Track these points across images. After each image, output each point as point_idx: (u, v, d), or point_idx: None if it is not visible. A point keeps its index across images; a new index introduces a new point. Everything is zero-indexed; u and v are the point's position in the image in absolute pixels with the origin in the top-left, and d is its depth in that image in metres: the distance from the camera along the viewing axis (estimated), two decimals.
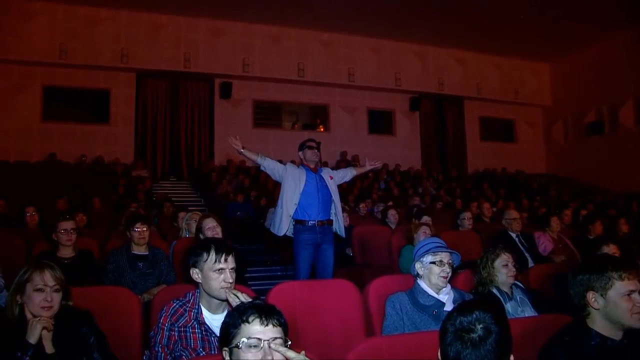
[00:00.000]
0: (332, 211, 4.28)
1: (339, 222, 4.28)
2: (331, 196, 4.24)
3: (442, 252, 2.60)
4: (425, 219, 5.29)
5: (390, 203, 8.65)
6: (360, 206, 8.25)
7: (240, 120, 13.82)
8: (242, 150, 4.07)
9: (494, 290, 2.76)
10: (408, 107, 15.63)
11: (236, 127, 13.64)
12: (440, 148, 15.93)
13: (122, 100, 12.82)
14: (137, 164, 12.26)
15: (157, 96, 13.02)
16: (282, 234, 4.13)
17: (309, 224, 4.13)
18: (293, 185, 4.16)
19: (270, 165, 4.23)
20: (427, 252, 2.61)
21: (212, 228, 3.63)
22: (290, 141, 14.25)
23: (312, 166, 4.31)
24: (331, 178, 4.36)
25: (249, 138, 13.60)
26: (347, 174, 4.55)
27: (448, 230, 5.54)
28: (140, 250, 3.75)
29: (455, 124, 16.02)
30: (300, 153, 4.38)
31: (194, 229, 4.16)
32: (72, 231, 3.64)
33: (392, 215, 6.15)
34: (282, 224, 4.13)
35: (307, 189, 4.16)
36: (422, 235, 4.25)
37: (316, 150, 4.31)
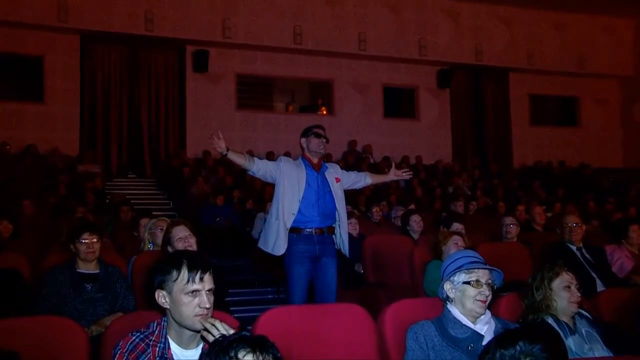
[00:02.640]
0: (336, 219, 4.31)
1: (343, 237, 4.30)
2: (334, 203, 4.29)
3: (479, 269, 2.59)
4: (457, 226, 5.27)
5: (412, 206, 8.67)
6: (374, 210, 8.25)
7: (220, 100, 13.88)
8: (226, 152, 4.09)
9: (550, 320, 2.75)
10: (435, 83, 15.66)
11: (214, 109, 13.68)
12: (477, 135, 15.97)
13: (61, 71, 12.72)
14: (84, 155, 12.32)
15: (109, 67, 13.02)
16: (280, 253, 4.17)
17: (306, 232, 4.17)
18: (290, 191, 4.20)
19: (261, 169, 4.27)
20: (459, 269, 2.60)
21: (183, 238, 3.64)
22: (284, 127, 14.28)
23: (314, 161, 4.35)
24: (337, 181, 4.39)
25: (231, 123, 13.67)
26: (359, 180, 4.58)
27: (487, 242, 5.54)
28: (88, 268, 3.76)
29: (497, 104, 16.04)
30: (303, 140, 4.41)
31: (159, 240, 4.17)
32: None
33: (415, 222, 6.15)
34: (279, 240, 4.16)
35: (305, 194, 4.21)
36: (454, 247, 4.25)
37: (324, 141, 4.35)
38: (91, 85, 12.85)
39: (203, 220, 9.31)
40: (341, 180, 4.42)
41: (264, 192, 10.26)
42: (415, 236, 6.05)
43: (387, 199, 10.17)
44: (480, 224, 7.94)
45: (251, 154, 13.89)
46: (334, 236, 4.31)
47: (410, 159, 14.42)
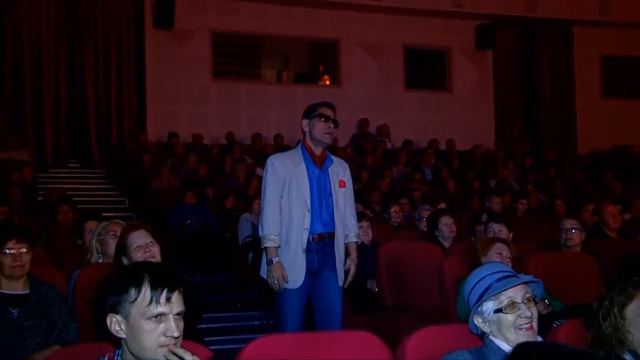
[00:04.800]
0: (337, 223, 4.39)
1: (338, 265, 4.34)
2: (333, 209, 4.36)
3: (507, 288, 2.60)
4: (499, 230, 5.28)
5: (443, 205, 8.67)
6: (392, 211, 8.28)
7: (191, 66, 13.88)
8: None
9: (627, 358, 2.77)
10: (474, 43, 15.65)
11: (183, 78, 13.68)
12: (529, 112, 15.97)
13: None
14: (7, 139, 12.31)
15: (39, 21, 12.92)
16: (300, 284, 4.25)
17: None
18: (296, 200, 4.29)
19: (270, 203, 4.30)
20: (484, 296, 2.63)
21: (143, 247, 3.65)
22: (274, 102, 14.28)
23: (317, 152, 4.40)
24: (342, 185, 4.45)
25: (205, 97, 13.70)
26: (346, 225, 4.52)
27: (541, 252, 5.51)
28: (14, 287, 3.76)
29: (556, 71, 16.04)
30: (304, 123, 4.45)
31: (112, 250, 4.18)
32: None
33: (446, 226, 6.15)
34: (297, 266, 4.24)
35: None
36: (496, 258, 4.23)
37: (331, 125, 4.39)
38: (15, 46, 12.81)
39: (169, 223, 9.34)
40: (346, 185, 4.49)
41: (248, 187, 10.29)
42: (446, 244, 6.06)
43: (410, 195, 10.19)
44: (532, 229, 7.96)
45: (231, 137, 13.84)
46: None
47: (440, 143, 14.45)
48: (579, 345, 2.93)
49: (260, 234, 4.34)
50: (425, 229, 6.84)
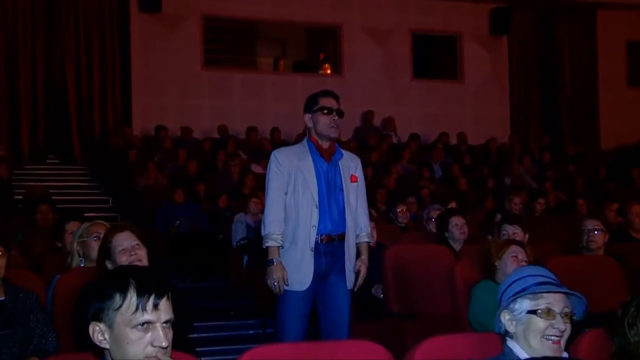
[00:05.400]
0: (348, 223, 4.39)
1: (348, 266, 4.36)
2: (344, 206, 4.36)
3: (550, 292, 2.61)
4: (514, 232, 5.29)
5: (453, 204, 8.68)
6: (399, 210, 8.31)
7: (180, 53, 13.89)
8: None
9: None
10: (487, 28, 15.65)
11: (172, 67, 13.67)
12: (548, 103, 15.95)
13: None
14: None
15: (13, 4, 12.90)
16: (307, 286, 4.25)
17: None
18: (303, 195, 4.29)
19: (273, 200, 4.32)
20: (522, 292, 2.63)
21: (129, 250, 3.66)
22: (271, 93, 14.27)
23: (325, 145, 4.40)
24: (353, 180, 4.45)
25: (197, 87, 13.71)
26: (358, 223, 4.54)
27: (560, 255, 5.53)
28: None
29: (577, 58, 16.03)
30: (307, 118, 4.45)
31: (95, 253, 4.18)
32: None
33: (456, 227, 6.15)
34: (304, 267, 4.24)
35: (318, 193, 4.33)
36: (512, 262, 4.25)
37: (336, 118, 4.38)
38: None
39: (157, 224, 9.36)
40: (358, 181, 4.48)
41: (242, 185, 10.28)
42: (457, 246, 6.05)
43: (418, 194, 10.20)
44: (551, 230, 7.96)
45: (224, 130, 13.92)
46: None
47: (451, 137, 14.45)
48: (602, 356, 2.93)
49: (263, 233, 4.32)
50: (434, 230, 6.82)
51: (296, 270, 4.23)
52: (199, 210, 9.77)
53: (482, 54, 15.67)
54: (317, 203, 4.27)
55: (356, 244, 4.47)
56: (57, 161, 13.05)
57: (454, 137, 14.51)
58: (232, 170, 11.38)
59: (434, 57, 15.86)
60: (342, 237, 4.34)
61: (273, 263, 4.20)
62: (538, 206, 9.63)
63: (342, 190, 4.35)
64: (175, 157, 11.98)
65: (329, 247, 4.28)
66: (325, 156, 4.37)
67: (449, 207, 8.00)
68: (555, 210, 10.31)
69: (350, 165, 4.47)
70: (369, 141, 13.63)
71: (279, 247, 4.24)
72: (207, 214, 9.80)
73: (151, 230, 8.98)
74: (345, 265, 4.36)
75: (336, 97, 4.46)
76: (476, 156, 13.85)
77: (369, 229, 4.63)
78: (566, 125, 15.79)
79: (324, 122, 4.35)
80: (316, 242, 4.26)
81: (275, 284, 4.17)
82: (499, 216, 6.37)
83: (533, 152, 14.24)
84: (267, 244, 4.26)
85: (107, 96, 13.42)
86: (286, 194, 4.31)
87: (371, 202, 9.30)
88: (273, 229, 4.25)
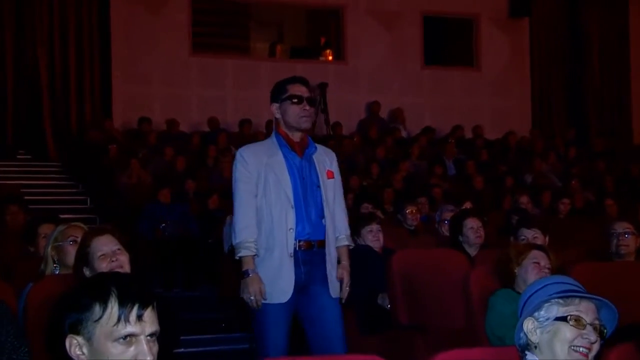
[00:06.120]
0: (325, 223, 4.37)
1: (331, 272, 4.34)
2: (322, 205, 4.36)
3: (581, 297, 2.62)
4: (534, 236, 5.30)
5: (468, 205, 8.70)
6: (407, 212, 8.29)
7: (166, 38, 13.92)
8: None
9: None
10: (506, 10, 15.66)
11: (157, 53, 13.66)
12: (573, 93, 15.96)
13: None
14: None
15: None
16: (288, 298, 4.23)
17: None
18: (276, 195, 4.28)
19: (243, 204, 4.34)
20: (549, 299, 2.64)
21: (109, 255, 3.68)
22: (266, 81, 14.14)
23: (295, 138, 4.39)
24: (330, 176, 4.44)
25: (184, 75, 13.72)
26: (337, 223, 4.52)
27: (587, 261, 5.53)
28: None
29: (606, 43, 16.02)
30: (274, 108, 4.47)
31: (71, 258, 4.19)
32: None
33: (472, 230, 6.16)
34: (284, 276, 4.22)
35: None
36: (533, 269, 4.28)
37: (307, 108, 4.38)
38: None
39: (140, 226, 9.37)
40: (335, 177, 4.47)
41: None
42: (472, 251, 6.07)
43: (428, 193, 10.19)
44: (577, 233, 7.96)
45: (215, 123, 14.01)
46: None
47: (466, 130, 14.45)
48: None
49: (234, 242, 4.33)
50: (447, 234, 6.85)
51: (274, 280, 4.22)
52: (187, 211, 9.79)
53: (501, 39, 15.67)
54: (293, 202, 4.26)
55: (336, 247, 4.45)
56: (29, 157, 13.08)
57: (469, 131, 14.54)
58: (224, 168, 11.34)
59: (447, 42, 15.88)
60: (321, 244, 4.33)
61: (248, 275, 4.19)
62: (562, 207, 9.63)
63: (319, 187, 4.35)
64: (160, 152, 11.99)
65: (308, 255, 4.26)
66: (297, 150, 4.36)
67: (464, 207, 8.00)
68: (581, 211, 10.31)
69: (325, 160, 4.47)
70: (374, 135, 13.62)
71: (253, 256, 4.23)
72: (196, 216, 9.82)
73: (134, 233, 8.97)
74: (327, 272, 4.33)
75: (306, 84, 4.45)
76: (493, 152, 13.86)
77: (348, 230, 4.60)
78: (593, 118, 15.80)
79: (294, 112, 4.34)
80: (294, 249, 4.25)
81: (252, 298, 4.15)
82: (514, 217, 6.37)
83: (557, 148, 14.25)
84: (239, 254, 4.26)
85: (84, 86, 13.43)
86: (256, 196, 4.30)
87: (377, 203, 9.37)
88: (245, 236, 4.25)
